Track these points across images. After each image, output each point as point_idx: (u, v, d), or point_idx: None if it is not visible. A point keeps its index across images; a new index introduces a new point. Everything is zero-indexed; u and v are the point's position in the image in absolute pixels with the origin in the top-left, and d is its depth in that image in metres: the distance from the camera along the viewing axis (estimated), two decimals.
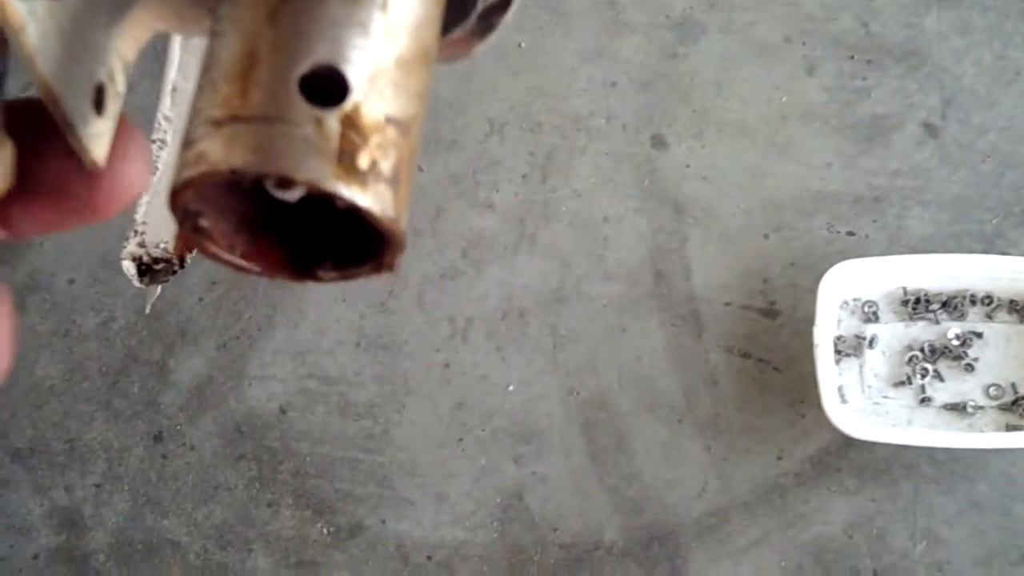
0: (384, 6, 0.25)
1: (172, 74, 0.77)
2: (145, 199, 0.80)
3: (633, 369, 1.21)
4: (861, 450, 1.15)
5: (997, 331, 1.16)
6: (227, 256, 0.27)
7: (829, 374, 1.11)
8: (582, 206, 1.26)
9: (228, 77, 0.24)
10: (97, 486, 1.23)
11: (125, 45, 0.28)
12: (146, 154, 0.28)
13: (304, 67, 0.24)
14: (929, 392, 1.15)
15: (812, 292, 1.13)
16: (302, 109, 0.24)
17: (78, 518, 1.23)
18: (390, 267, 0.26)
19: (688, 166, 1.26)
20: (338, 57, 0.24)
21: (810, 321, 1.12)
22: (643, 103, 1.28)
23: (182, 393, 1.25)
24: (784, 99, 1.27)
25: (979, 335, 1.16)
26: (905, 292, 1.17)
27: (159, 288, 0.84)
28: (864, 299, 1.18)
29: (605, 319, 1.23)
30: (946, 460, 1.15)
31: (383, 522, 1.19)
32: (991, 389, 1.14)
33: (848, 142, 1.25)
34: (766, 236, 1.23)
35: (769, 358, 1.20)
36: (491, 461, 1.20)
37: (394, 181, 0.25)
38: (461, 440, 1.21)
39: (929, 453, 1.15)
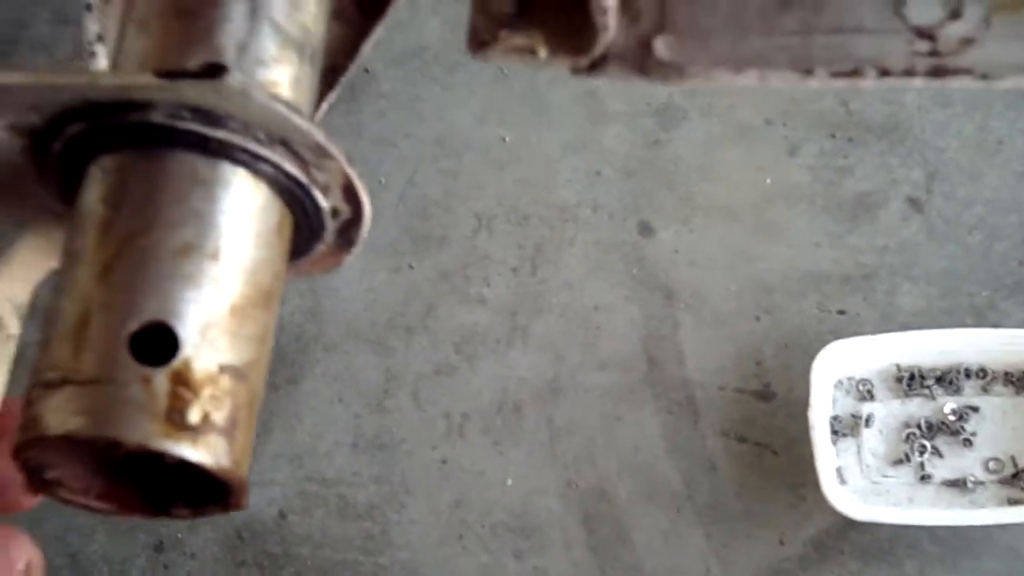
0: (215, 255, 0.25)
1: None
2: None
3: (631, 458, 1.20)
4: (863, 531, 1.14)
5: (993, 404, 1.15)
6: (81, 500, 0.26)
7: (827, 455, 1.11)
8: (573, 297, 1.26)
9: (62, 337, 0.24)
10: None
11: (13, 288, 0.28)
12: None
13: (133, 325, 0.24)
14: (928, 469, 1.14)
15: (806, 373, 1.13)
16: (131, 369, 0.23)
17: None
18: (236, 506, 0.26)
19: (676, 251, 1.26)
20: (168, 313, 0.24)
21: (805, 402, 1.12)
22: (628, 191, 1.29)
23: None
24: (768, 181, 1.28)
25: (975, 409, 1.15)
26: (899, 369, 1.17)
27: None
28: (858, 378, 1.17)
29: (601, 409, 1.22)
30: (949, 537, 1.13)
31: None
32: (990, 463, 1.13)
33: (834, 221, 1.25)
34: (757, 318, 1.23)
35: (766, 441, 1.19)
36: (492, 558, 1.19)
37: (229, 430, 0.25)
38: (461, 537, 1.20)
39: (932, 531, 1.13)
